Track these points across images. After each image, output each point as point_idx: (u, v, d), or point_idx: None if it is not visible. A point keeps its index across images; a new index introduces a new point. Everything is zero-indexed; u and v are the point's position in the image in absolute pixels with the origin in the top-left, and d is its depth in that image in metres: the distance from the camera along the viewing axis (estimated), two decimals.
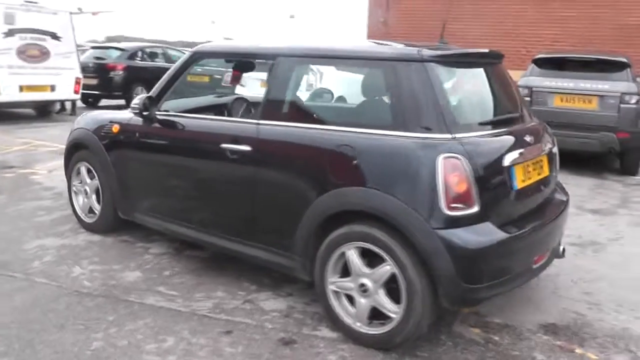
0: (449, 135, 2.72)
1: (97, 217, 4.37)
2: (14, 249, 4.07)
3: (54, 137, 8.58)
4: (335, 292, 2.98)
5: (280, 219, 3.16)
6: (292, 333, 3.01)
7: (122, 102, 13.23)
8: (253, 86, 9.78)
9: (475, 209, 2.66)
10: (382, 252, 2.76)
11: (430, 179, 2.63)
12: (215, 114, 4.18)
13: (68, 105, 11.32)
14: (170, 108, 3.85)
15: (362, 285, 2.85)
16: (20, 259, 3.90)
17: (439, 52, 2.90)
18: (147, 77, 13.07)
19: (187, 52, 3.89)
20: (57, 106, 11.22)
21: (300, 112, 3.24)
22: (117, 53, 13.10)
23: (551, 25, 12.78)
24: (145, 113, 3.72)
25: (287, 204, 3.10)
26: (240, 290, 3.52)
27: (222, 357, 2.76)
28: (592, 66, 7.69)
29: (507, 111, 3.29)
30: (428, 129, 2.73)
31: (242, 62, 4.13)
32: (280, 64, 3.24)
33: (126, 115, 4.05)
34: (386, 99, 2.90)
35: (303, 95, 3.51)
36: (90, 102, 12.72)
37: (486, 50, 3.24)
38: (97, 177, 4.26)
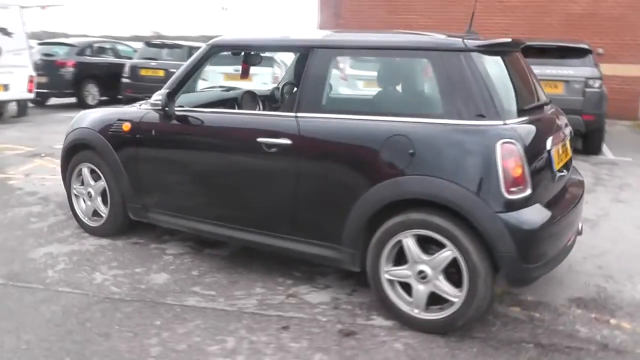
0: (501, 122, 2.78)
1: (104, 220, 4.18)
2: (20, 259, 3.83)
3: (15, 139, 8.07)
4: (390, 281, 2.99)
5: (326, 212, 3.13)
6: (348, 324, 3.01)
7: (73, 100, 12.67)
8: (217, 80, 9.64)
9: (528, 191, 2.74)
10: (443, 238, 2.79)
11: (491, 165, 2.68)
12: (227, 108, 4.08)
13: (13, 105, 10.57)
14: (184, 103, 3.72)
15: (421, 272, 2.87)
16: (31, 268, 3.68)
17: (482, 42, 2.95)
18: (98, 73, 12.60)
19: (203, 45, 3.76)
20: (14, 106, 10.45)
21: (343, 103, 3.23)
22: (65, 49, 12.48)
23: (502, 14, 13.19)
24: (166, 109, 3.58)
25: (334, 197, 3.08)
26: (277, 285, 3.47)
27: (290, 353, 2.72)
28: (555, 53, 8.02)
29: (537, 97, 3.39)
30: (482, 116, 2.79)
31: (253, 55, 4.04)
32: (316, 55, 3.19)
33: (137, 112, 3.89)
34: (435, 88, 2.92)
35: (343, 86, 3.48)
36: (39, 101, 12.06)
37: (519, 40, 3.32)
38: (103, 178, 4.07)
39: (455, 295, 2.83)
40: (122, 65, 11.90)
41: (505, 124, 2.78)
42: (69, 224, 4.48)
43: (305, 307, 3.18)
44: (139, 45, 13.25)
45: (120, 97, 11.79)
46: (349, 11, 14.20)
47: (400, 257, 2.97)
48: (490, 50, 3.06)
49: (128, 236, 4.23)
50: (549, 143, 3.00)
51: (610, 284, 3.67)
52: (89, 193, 4.22)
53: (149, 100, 3.75)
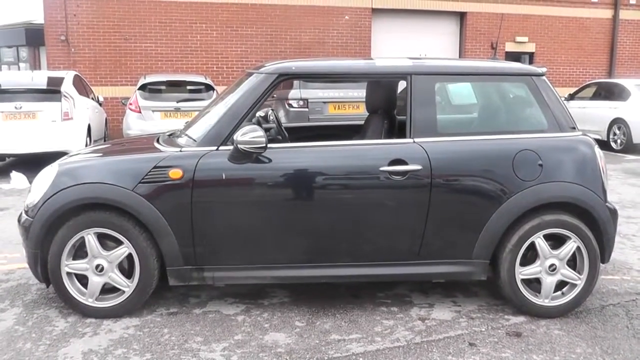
0: (580, 132, 3.50)
1: (127, 296, 3.31)
2: None
3: None
4: (523, 280, 3.38)
5: (458, 231, 3.32)
6: (507, 327, 3.28)
7: None
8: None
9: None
10: (568, 232, 3.34)
11: (595, 165, 3.38)
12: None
13: None
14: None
15: (552, 265, 3.36)
16: None
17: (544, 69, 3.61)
18: None
19: (262, 74, 3.38)
20: None
21: (454, 126, 3.43)
22: None
23: (237, 42, 13.90)
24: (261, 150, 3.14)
25: (467, 215, 3.30)
26: (403, 314, 3.43)
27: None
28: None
29: None
30: (573, 128, 3.46)
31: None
32: (416, 82, 3.33)
33: (186, 154, 3.25)
34: (535, 107, 3.44)
35: (453, 109, 3.63)
36: None
37: None
38: (128, 243, 3.24)
39: (578, 279, 3.40)
40: None
41: (584, 134, 3.51)
42: (55, 315, 3.38)
43: (473, 323, 3.31)
44: None
45: None
46: (79, 38, 12.87)
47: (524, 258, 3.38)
48: None
49: (149, 310, 3.43)
50: None
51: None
52: (98, 266, 3.27)
53: (179, 136, 3.21)
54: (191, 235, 3.24)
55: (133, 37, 13.24)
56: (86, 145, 8.39)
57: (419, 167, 3.22)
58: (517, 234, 3.31)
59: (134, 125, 9.11)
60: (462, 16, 15.59)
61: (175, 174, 3.19)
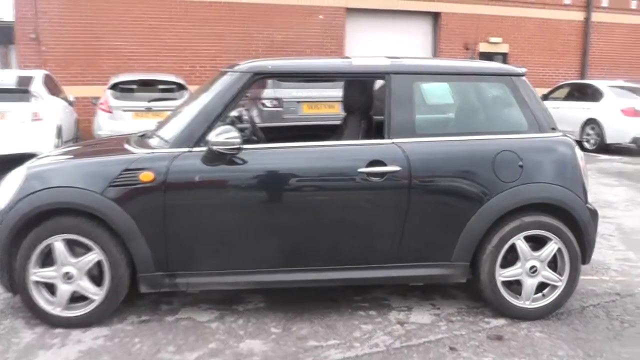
0: (560, 133, 3.47)
1: (96, 304, 3.16)
2: None
3: None
4: (504, 282, 3.33)
5: (438, 232, 3.26)
6: (488, 329, 3.23)
7: None
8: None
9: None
10: (549, 234, 3.30)
11: (575, 165, 3.36)
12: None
13: None
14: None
15: (532, 267, 3.32)
16: None
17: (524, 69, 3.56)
18: None
19: (237, 73, 3.28)
20: None
21: (432, 127, 3.37)
22: None
23: (210, 41, 13.72)
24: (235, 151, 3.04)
25: (447, 216, 3.24)
26: (381, 318, 3.35)
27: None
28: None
29: None
30: (554, 129, 3.43)
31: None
32: (394, 81, 3.27)
33: (156, 156, 3.13)
34: (515, 107, 3.40)
35: (430, 109, 3.57)
36: None
37: None
38: (98, 249, 3.10)
39: (558, 280, 3.37)
40: None
41: (564, 135, 3.48)
42: (17, 327, 3.21)
43: (452, 326, 3.26)
44: None
45: None
46: (50, 36, 12.54)
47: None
48: None
49: (120, 318, 3.30)
50: None
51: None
52: (66, 274, 3.12)
53: (151, 137, 3.10)
54: (163, 240, 3.12)
55: (105, 35, 12.96)
56: (56, 147, 8.15)
57: (397, 168, 3.15)
58: (498, 236, 3.27)
59: (105, 125, 8.89)
60: (436, 16, 15.60)
61: (146, 176, 3.06)
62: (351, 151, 3.28)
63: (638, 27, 16.92)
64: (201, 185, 3.09)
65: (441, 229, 3.26)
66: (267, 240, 3.19)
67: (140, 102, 9.09)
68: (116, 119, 8.93)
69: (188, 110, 3.43)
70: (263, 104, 9.01)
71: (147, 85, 9.67)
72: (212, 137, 3.02)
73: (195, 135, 3.14)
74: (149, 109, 8.94)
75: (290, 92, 9.01)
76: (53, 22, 12.59)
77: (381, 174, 3.14)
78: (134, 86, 9.62)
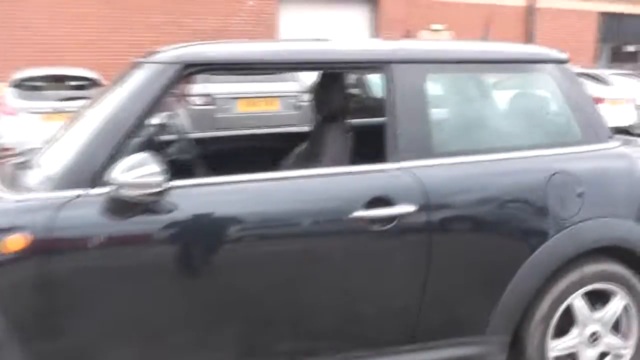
0: (618, 143, 2.51)
1: None
2: None
3: None
4: (557, 358, 2.36)
5: (469, 298, 2.23)
6: None
7: None
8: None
9: None
10: (615, 286, 2.36)
11: None
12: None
13: None
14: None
15: (593, 334, 2.36)
16: None
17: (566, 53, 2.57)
18: None
19: (158, 64, 2.10)
20: None
21: (463, 139, 2.32)
22: None
23: (131, 31, 12.30)
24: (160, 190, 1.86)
25: (484, 274, 2.22)
26: None
27: None
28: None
29: None
30: (611, 137, 2.47)
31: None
32: (400, 74, 2.18)
33: (24, 206, 1.90)
34: (564, 108, 2.39)
35: (450, 117, 2.47)
36: None
37: None
38: None
39: (624, 346, 2.43)
40: None
41: (624, 144, 2.53)
42: None
43: None
44: None
45: None
46: None
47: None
48: None
49: None
50: None
51: None
52: None
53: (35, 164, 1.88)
54: (43, 338, 1.90)
55: (10, 25, 11.24)
56: None
57: (412, 207, 2.08)
58: (551, 296, 2.28)
59: (8, 131, 7.30)
60: (375, 3, 14.75)
61: (14, 244, 1.83)
62: (340, 184, 2.12)
63: (585, 13, 16.74)
64: (103, 253, 1.90)
65: (473, 292, 2.23)
66: (216, 329, 2.03)
67: (50, 101, 7.55)
68: (22, 123, 7.33)
69: (85, 124, 2.20)
70: (191, 102, 7.56)
71: (56, 81, 8.22)
72: (117, 174, 1.82)
73: (93, 167, 1.93)
74: (60, 111, 7.37)
75: (224, 86, 7.63)
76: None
77: (388, 219, 2.06)
78: (42, 83, 8.13)
